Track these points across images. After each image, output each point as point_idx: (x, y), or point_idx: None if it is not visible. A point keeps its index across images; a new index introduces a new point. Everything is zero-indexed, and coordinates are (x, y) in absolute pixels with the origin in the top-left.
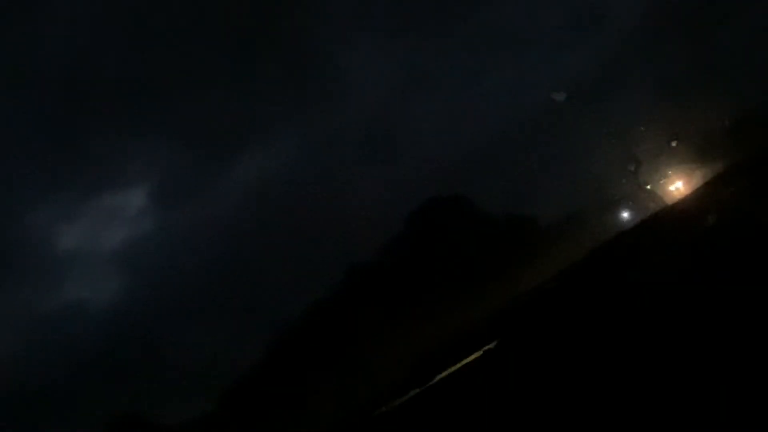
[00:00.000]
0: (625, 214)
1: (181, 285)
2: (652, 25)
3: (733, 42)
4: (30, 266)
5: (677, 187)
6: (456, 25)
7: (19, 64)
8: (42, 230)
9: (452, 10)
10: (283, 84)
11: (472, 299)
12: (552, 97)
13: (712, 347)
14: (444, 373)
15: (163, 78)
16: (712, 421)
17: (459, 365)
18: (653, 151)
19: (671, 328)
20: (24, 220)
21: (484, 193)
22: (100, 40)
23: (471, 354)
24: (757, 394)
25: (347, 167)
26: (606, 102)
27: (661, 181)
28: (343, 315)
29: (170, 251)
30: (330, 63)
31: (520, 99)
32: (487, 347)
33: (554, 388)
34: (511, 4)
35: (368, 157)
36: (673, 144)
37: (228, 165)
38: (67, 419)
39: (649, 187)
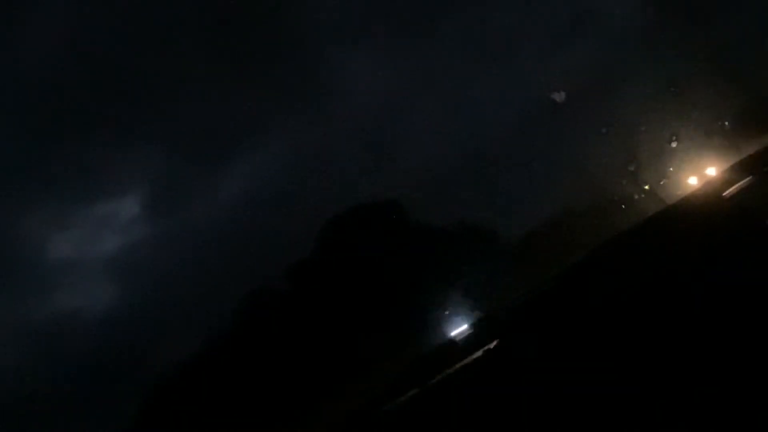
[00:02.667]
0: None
1: (173, 292)
2: (651, 23)
3: (734, 39)
4: (21, 275)
5: (678, 187)
6: (448, 28)
7: (4, 72)
8: (33, 239)
9: (444, 13)
10: (275, 91)
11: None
12: (552, 98)
13: (712, 348)
14: (443, 374)
15: (154, 85)
16: (713, 422)
17: (458, 365)
18: (653, 151)
19: (672, 328)
20: (14, 228)
21: (481, 197)
22: (88, 46)
23: (470, 354)
24: (757, 395)
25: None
26: (605, 101)
27: (662, 182)
28: (342, 313)
29: (163, 259)
30: (317, 74)
31: (518, 101)
32: (486, 347)
33: (554, 389)
34: (505, 6)
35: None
36: (674, 144)
37: (221, 172)
38: (59, 428)
39: (649, 187)
